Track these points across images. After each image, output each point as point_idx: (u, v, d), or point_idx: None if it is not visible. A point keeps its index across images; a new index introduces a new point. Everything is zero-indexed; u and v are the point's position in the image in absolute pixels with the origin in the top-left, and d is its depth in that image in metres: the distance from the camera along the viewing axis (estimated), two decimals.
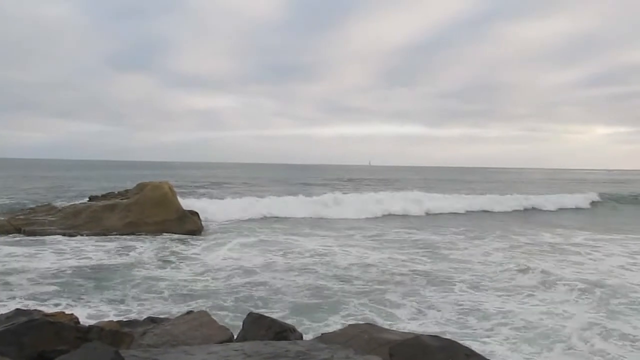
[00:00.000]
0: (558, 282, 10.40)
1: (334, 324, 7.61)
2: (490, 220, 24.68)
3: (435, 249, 14.86)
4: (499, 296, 9.46)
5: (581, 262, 12.96)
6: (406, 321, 7.99)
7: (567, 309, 8.55)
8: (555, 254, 14.21)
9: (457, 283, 10.48)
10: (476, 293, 9.73)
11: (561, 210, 30.49)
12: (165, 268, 11.66)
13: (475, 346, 5.91)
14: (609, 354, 6.66)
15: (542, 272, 11.22)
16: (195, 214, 18.34)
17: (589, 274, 11.44)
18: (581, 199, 33.02)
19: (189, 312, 5.89)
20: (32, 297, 8.87)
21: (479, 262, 12.68)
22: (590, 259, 13.58)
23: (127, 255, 13.11)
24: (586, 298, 9.32)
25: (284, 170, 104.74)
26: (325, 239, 16.60)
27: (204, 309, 6.94)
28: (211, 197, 27.57)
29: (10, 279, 10.09)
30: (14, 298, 8.73)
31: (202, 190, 35.13)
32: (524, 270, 11.47)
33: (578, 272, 11.58)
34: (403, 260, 12.86)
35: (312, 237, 16.83)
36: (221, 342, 4.52)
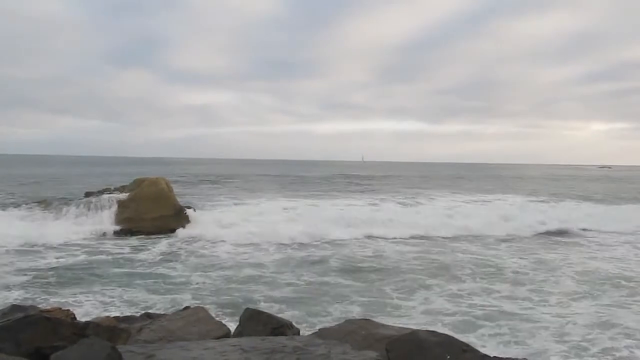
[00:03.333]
0: None
1: None
2: None
3: None
4: None
5: None
6: None
7: None
8: None
9: None
10: None
11: None
12: (162, 263, 11.65)
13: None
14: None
15: None
16: (192, 209, 18.31)
17: None
18: None
19: (186, 308, 5.89)
20: (32, 291, 8.86)
21: None
22: None
23: (125, 250, 13.10)
24: None
25: (282, 167, 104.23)
26: None
27: (201, 304, 6.95)
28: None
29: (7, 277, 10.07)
30: (10, 293, 8.73)
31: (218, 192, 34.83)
32: None
33: None
34: None
35: None
36: (218, 338, 4.52)
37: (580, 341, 6.91)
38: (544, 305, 8.69)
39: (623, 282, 10.39)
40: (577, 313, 8.23)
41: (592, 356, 6.43)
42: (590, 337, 7.08)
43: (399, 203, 24.88)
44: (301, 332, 5.28)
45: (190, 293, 9.11)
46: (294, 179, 50.28)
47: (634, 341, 6.91)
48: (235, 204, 23.77)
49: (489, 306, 8.56)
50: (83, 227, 15.67)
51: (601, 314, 8.14)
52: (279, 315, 5.56)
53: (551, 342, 6.89)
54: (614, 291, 9.66)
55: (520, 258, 13.11)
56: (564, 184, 50.60)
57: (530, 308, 8.49)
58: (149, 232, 15.70)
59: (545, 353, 6.51)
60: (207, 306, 6.55)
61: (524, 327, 7.44)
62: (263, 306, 7.94)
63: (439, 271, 11.28)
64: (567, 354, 6.50)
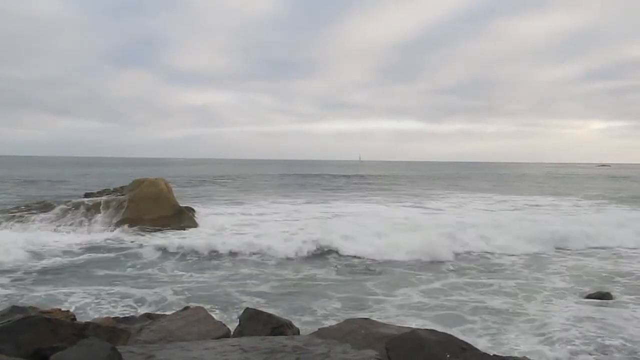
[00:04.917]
0: None
1: None
2: None
3: None
4: None
5: None
6: None
7: None
8: None
9: None
10: None
11: None
12: (161, 263, 11.64)
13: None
14: None
15: None
16: (191, 210, 18.32)
17: None
18: None
19: (186, 308, 5.90)
20: (31, 291, 8.85)
21: None
22: None
23: (124, 250, 13.09)
24: None
25: (283, 167, 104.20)
26: None
27: (201, 304, 6.95)
28: None
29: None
30: (5, 294, 8.72)
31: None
32: None
33: None
34: None
35: None
36: (218, 338, 4.53)
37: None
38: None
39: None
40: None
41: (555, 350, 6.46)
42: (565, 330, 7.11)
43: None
44: (301, 332, 5.29)
45: (188, 292, 9.10)
46: (295, 179, 50.37)
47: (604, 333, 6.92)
48: (236, 205, 23.85)
49: None
50: (82, 228, 15.67)
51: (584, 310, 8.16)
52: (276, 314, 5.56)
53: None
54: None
55: None
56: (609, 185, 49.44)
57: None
58: (148, 233, 15.68)
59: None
60: (205, 306, 6.55)
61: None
62: (261, 305, 7.94)
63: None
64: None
